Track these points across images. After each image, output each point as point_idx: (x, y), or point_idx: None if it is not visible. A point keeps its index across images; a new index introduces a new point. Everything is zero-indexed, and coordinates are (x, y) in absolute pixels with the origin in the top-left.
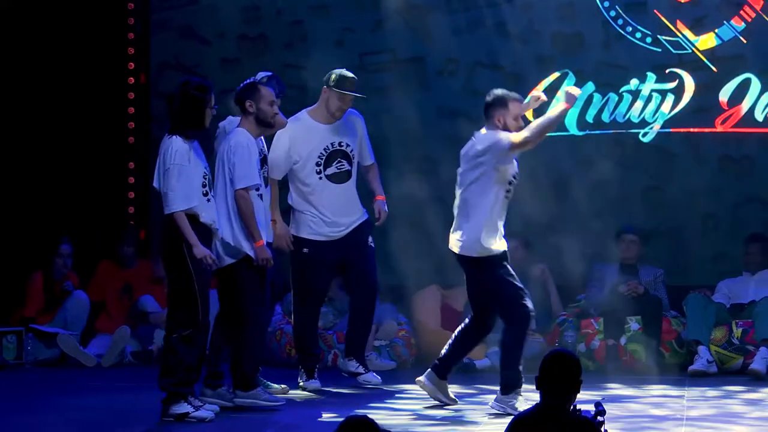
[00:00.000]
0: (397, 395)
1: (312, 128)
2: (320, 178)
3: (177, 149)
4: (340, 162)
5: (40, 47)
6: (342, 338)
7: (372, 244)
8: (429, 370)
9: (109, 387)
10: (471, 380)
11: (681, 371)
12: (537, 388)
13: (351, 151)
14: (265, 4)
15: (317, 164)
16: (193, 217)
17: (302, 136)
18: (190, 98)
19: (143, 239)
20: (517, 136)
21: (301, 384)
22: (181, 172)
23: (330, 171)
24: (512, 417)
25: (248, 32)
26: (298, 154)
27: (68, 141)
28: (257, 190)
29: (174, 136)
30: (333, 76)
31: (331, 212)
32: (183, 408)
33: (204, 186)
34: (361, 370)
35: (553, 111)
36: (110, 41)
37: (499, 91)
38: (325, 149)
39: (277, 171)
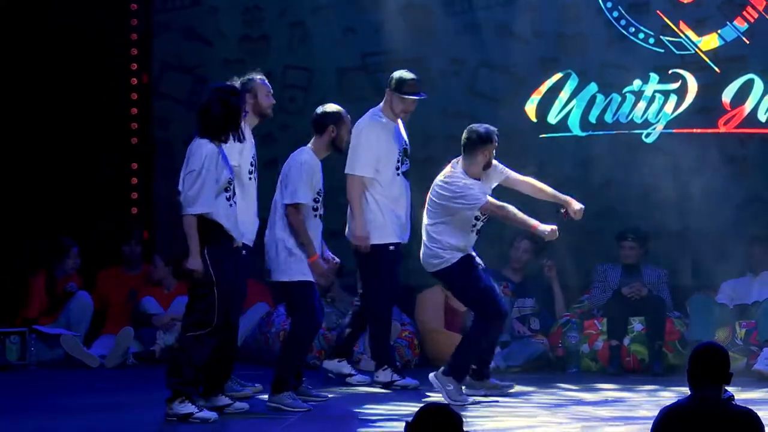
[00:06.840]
0: (399, 395)
1: (390, 126)
2: (398, 174)
3: (207, 153)
4: (407, 161)
5: (43, 48)
6: None
7: None
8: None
9: (113, 388)
10: None
11: (684, 372)
12: (689, 381)
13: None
14: (266, 5)
15: (398, 161)
16: (214, 223)
17: (387, 135)
18: (231, 107)
19: (146, 239)
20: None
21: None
22: (205, 177)
23: (403, 168)
24: (661, 408)
25: (250, 33)
26: (384, 151)
27: (71, 142)
28: (314, 210)
29: (205, 140)
30: (393, 80)
31: (402, 208)
32: (187, 408)
33: (227, 191)
34: (354, 371)
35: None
36: (113, 42)
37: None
38: (401, 147)
39: (370, 168)
